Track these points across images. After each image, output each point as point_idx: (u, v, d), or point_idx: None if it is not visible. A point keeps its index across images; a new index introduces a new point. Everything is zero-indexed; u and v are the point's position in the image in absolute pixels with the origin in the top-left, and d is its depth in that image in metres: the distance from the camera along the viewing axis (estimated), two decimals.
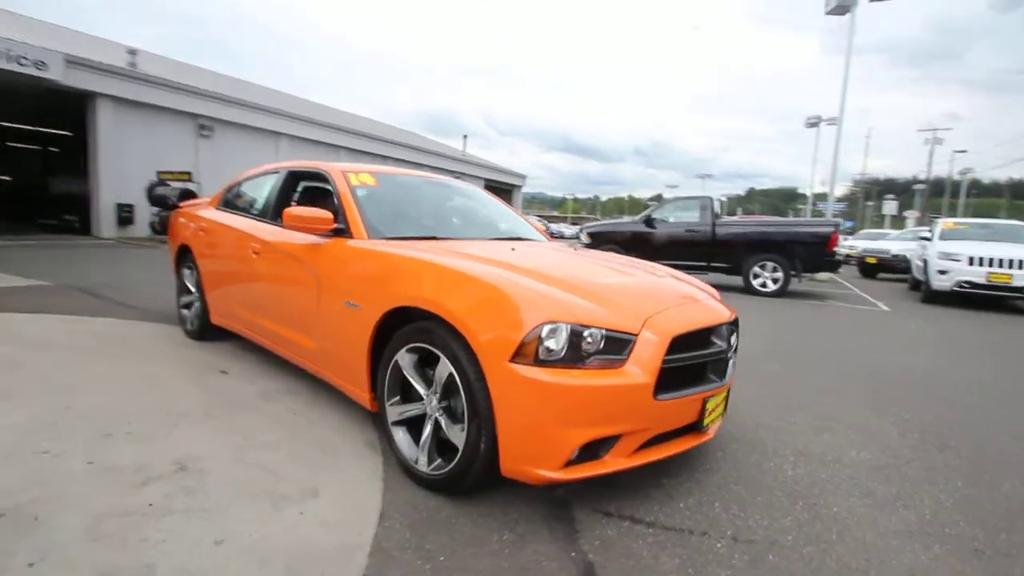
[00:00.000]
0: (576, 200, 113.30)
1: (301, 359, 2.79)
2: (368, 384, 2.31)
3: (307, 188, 3.38)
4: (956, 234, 9.63)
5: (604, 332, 1.77)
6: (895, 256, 14.03)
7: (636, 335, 1.82)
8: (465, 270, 2.01)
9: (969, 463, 2.65)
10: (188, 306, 4.15)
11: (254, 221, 3.33)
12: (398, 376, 2.14)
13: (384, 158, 23.34)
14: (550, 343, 1.71)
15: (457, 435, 1.89)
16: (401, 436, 2.15)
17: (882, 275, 14.69)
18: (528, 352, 1.71)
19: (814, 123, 28.93)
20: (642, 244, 9.39)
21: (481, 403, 1.78)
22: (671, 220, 9.76)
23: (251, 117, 17.42)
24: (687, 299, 2.24)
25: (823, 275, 11.86)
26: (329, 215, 2.57)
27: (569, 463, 1.75)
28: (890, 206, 42.79)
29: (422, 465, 2.03)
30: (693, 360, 1.99)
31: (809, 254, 8.73)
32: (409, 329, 2.06)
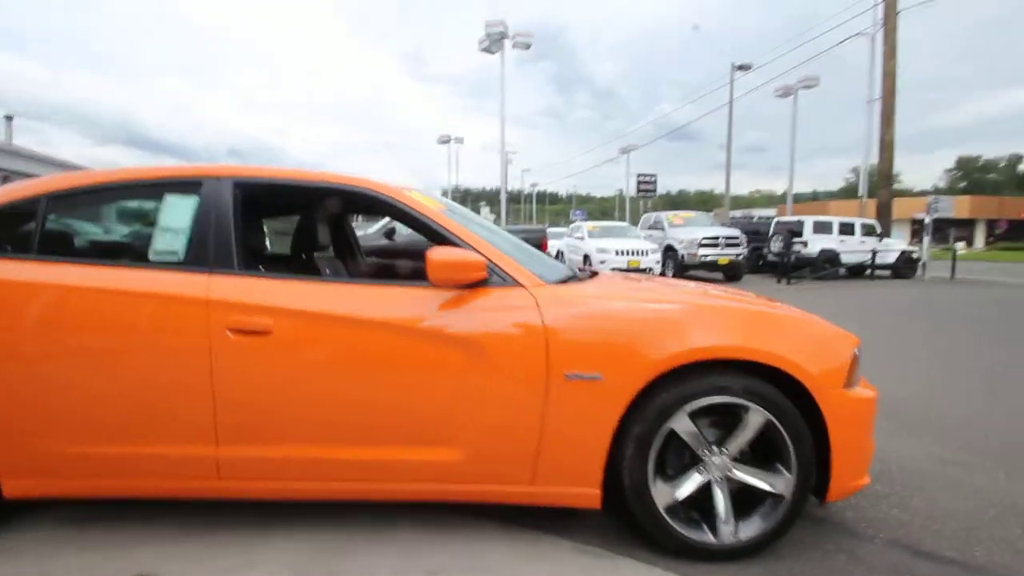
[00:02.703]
0: None
1: (416, 485, 1.85)
2: (602, 476, 1.82)
3: (274, 216, 2.11)
4: (596, 234, 13.24)
5: None
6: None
7: None
8: (761, 309, 1.97)
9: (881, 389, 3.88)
10: None
11: (194, 276, 1.85)
12: (661, 450, 1.81)
13: None
14: (857, 362, 1.89)
15: (784, 483, 1.82)
16: (676, 520, 1.84)
17: None
18: (851, 375, 1.86)
19: (445, 140, 33.56)
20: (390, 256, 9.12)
21: (807, 440, 1.78)
22: (408, 232, 9.84)
23: None
24: None
25: None
26: (481, 257, 1.81)
27: None
28: (485, 211, 54.10)
29: (726, 537, 1.82)
30: None
31: None
32: (687, 387, 1.78)
